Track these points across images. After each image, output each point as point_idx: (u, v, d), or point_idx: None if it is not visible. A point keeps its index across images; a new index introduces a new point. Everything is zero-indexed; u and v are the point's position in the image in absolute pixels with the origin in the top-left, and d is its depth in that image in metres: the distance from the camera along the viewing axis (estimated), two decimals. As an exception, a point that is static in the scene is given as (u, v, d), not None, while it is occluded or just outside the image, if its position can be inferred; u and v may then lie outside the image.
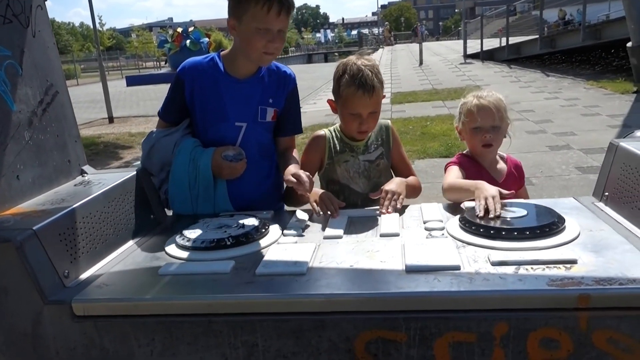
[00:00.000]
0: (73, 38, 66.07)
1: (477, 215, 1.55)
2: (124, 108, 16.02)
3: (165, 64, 31.27)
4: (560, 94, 10.66)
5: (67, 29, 71.06)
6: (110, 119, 12.92)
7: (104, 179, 1.82)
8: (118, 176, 1.84)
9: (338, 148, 2.01)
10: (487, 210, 1.56)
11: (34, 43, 1.73)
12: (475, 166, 2.01)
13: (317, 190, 1.87)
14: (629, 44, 10.51)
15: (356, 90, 1.85)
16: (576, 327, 1.17)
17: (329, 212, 1.75)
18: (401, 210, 1.80)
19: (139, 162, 2.44)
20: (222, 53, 2.00)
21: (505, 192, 1.64)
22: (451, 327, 1.20)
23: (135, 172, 1.91)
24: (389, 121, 2.11)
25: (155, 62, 43.35)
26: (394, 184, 1.86)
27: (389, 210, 1.75)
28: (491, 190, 1.63)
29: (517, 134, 7.17)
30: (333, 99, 1.99)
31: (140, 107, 16.36)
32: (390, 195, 1.80)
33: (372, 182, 1.99)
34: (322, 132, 2.06)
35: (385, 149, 2.03)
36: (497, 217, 1.53)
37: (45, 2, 1.83)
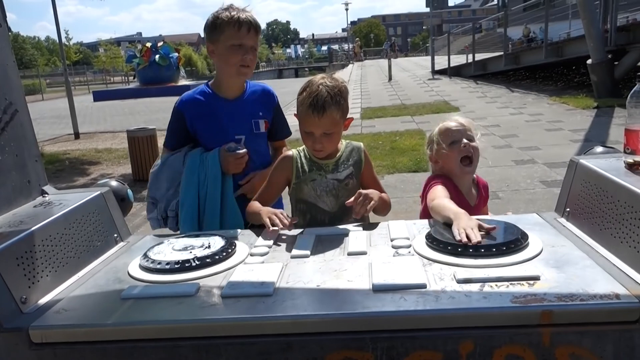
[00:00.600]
0: (39, 52, 64.77)
1: (459, 241, 1.49)
2: (91, 124, 15.73)
3: (134, 79, 31.11)
4: (524, 109, 10.94)
5: (33, 43, 69.66)
6: (77, 135, 12.66)
7: (66, 200, 1.77)
8: (80, 196, 1.80)
9: (306, 167, 2.01)
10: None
11: (-9, 61, 1.69)
12: (454, 190, 2.01)
13: (270, 208, 1.90)
14: (589, 61, 10.89)
15: (307, 108, 1.86)
16: (540, 343, 1.19)
17: (281, 226, 1.75)
18: (369, 227, 1.81)
19: (106, 180, 2.40)
20: (209, 83, 2.30)
21: (486, 225, 1.57)
22: (418, 346, 1.20)
23: (99, 192, 1.86)
24: (361, 144, 2.11)
25: (123, 77, 42.83)
26: (369, 190, 1.87)
27: (361, 209, 1.77)
28: (470, 222, 1.57)
29: (482, 150, 7.29)
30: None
31: (107, 122, 16.10)
32: (363, 198, 1.80)
33: (340, 202, 1.99)
34: (290, 152, 2.06)
35: (355, 170, 2.03)
36: (478, 242, 1.48)
37: (7, 19, 1.79)
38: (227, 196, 2.19)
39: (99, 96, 26.72)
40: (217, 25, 2.09)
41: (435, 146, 2.07)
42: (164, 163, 2.30)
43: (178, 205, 2.25)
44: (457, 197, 1.97)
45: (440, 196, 1.87)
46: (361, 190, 1.83)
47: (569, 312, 1.18)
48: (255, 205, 1.99)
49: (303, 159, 2.03)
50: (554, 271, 1.34)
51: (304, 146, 2.06)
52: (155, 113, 17.63)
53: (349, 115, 1.98)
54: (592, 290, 1.23)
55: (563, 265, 1.38)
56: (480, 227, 1.55)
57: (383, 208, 1.98)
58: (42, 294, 1.44)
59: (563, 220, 1.73)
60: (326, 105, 1.84)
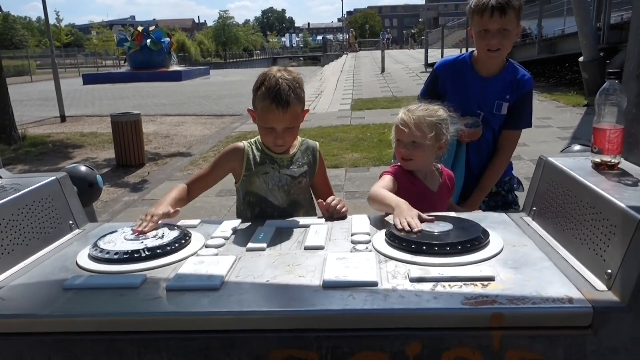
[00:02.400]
0: (29, 33, 63.85)
1: (402, 230, 1.52)
2: (78, 107, 15.54)
3: (125, 63, 30.75)
4: (514, 105, 10.89)
5: (24, 23, 68.62)
6: (63, 118, 12.48)
7: (18, 184, 1.71)
8: (34, 181, 1.74)
9: (258, 159, 1.94)
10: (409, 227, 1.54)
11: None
12: (410, 178, 1.99)
13: (161, 203, 1.77)
14: (581, 59, 10.87)
15: (270, 104, 1.78)
16: (490, 346, 1.15)
17: (140, 229, 1.60)
18: (332, 220, 1.77)
19: (74, 165, 2.33)
20: (473, 54, 2.37)
21: (425, 216, 1.59)
22: (363, 346, 1.16)
23: (54, 177, 1.80)
24: (317, 143, 2.07)
25: (114, 61, 42.40)
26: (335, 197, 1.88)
27: (334, 212, 1.80)
28: (411, 212, 1.59)
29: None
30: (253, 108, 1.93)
31: (95, 106, 15.91)
32: (338, 202, 1.83)
33: (290, 198, 1.94)
34: (240, 144, 1.99)
35: (310, 170, 1.99)
36: (419, 231, 1.50)
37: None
38: (459, 162, 2.36)
39: (88, 79, 26.41)
40: (467, 11, 2.26)
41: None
42: None
43: None
44: (413, 183, 1.94)
45: (380, 186, 1.86)
46: (330, 200, 1.84)
47: (520, 315, 1.14)
48: (173, 191, 1.86)
49: (255, 150, 1.96)
50: (510, 272, 1.30)
51: (255, 139, 2.00)
52: (145, 98, 17.48)
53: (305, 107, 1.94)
54: (546, 293, 1.19)
55: (521, 266, 1.34)
56: (419, 218, 1.56)
57: None
58: (-18, 281, 1.39)
59: (529, 220, 1.69)
60: (289, 100, 1.78)
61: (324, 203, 1.84)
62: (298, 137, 2.02)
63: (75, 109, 14.75)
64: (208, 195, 5.47)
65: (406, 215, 1.57)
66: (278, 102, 1.77)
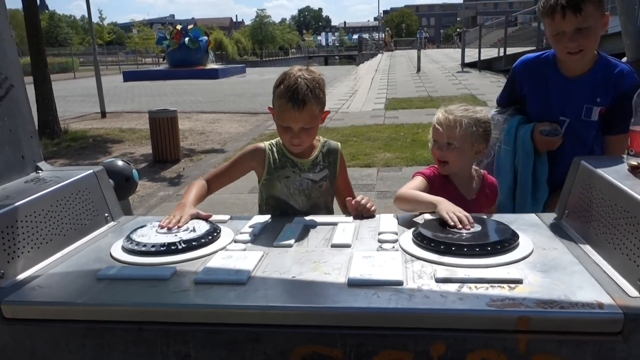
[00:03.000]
0: (73, 31, 65.83)
1: (454, 226, 1.52)
2: (118, 103, 15.95)
3: (164, 60, 31.37)
4: (553, 106, 10.63)
5: (68, 21, 70.79)
6: (103, 114, 12.84)
7: (57, 177, 1.77)
8: (72, 174, 1.80)
9: (278, 163, 1.94)
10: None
11: (-13, 35, 1.69)
12: (444, 182, 1.96)
13: (184, 205, 1.76)
14: (624, 59, 10.52)
15: (286, 102, 1.77)
16: (515, 350, 1.13)
17: (170, 227, 1.62)
18: (360, 219, 1.77)
19: (112, 159, 2.40)
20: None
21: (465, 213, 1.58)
22: (387, 345, 1.16)
23: (91, 171, 1.86)
24: (338, 144, 2.05)
25: (154, 59, 43.30)
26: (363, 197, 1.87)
27: (363, 210, 1.80)
28: (455, 207, 1.59)
29: (507, 145, 7.13)
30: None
31: (134, 102, 16.30)
32: (367, 201, 1.82)
33: (311, 202, 1.94)
34: (262, 145, 1.99)
35: (330, 172, 1.98)
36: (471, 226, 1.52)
37: (4, -6, 1.79)
38: (540, 175, 2.14)
39: (128, 76, 27.08)
40: (537, 12, 2.16)
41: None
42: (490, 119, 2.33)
43: (488, 166, 2.28)
44: (447, 189, 1.91)
45: (410, 187, 1.84)
46: (359, 199, 1.83)
47: (548, 320, 1.12)
48: (194, 189, 1.86)
49: (276, 153, 1.96)
50: (539, 275, 1.28)
51: (276, 140, 2.00)
52: (182, 95, 17.81)
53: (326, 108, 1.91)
54: (575, 297, 1.16)
55: (550, 269, 1.31)
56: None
57: None
58: (22, 269, 1.44)
59: (561, 222, 1.65)
60: (306, 100, 1.76)
61: (353, 202, 1.84)
62: (320, 138, 2.02)
63: (115, 105, 15.14)
64: (241, 192, 5.55)
65: (455, 210, 1.56)
66: (294, 101, 1.75)
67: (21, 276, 1.43)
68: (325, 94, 1.88)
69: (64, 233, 1.64)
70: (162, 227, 1.62)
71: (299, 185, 1.93)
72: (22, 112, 1.83)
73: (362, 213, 1.81)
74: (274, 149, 1.97)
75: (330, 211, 2.05)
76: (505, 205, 2.23)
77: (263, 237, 1.65)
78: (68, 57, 37.50)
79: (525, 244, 1.45)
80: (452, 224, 1.53)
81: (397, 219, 1.74)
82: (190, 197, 1.82)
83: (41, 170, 1.88)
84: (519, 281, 1.24)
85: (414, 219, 1.72)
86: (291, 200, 1.94)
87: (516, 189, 2.21)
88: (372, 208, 1.82)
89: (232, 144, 8.78)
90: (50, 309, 1.29)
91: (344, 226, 1.69)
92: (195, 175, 6.84)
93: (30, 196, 1.56)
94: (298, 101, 1.75)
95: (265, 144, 1.99)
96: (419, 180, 1.92)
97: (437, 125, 1.91)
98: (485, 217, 1.68)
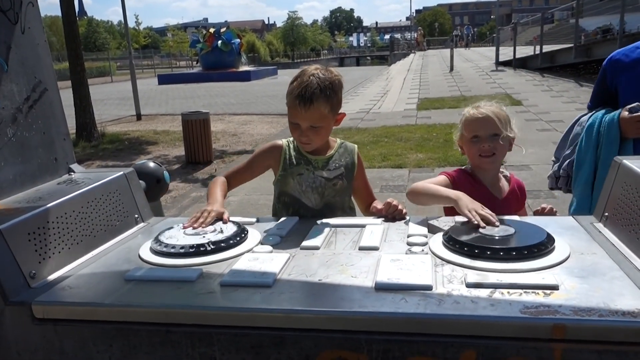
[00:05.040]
0: (111, 36, 67.53)
1: (479, 226, 1.48)
2: (153, 106, 16.27)
3: (197, 63, 31.85)
4: (592, 104, 10.31)
5: (106, 27, 72.66)
6: (138, 116, 13.13)
7: (89, 179, 1.80)
8: (103, 176, 1.82)
9: (294, 160, 1.93)
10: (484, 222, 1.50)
11: (22, 39, 1.72)
12: (473, 183, 1.92)
13: (216, 201, 1.77)
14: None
15: (294, 99, 1.77)
16: (550, 359, 1.08)
17: (196, 226, 1.63)
18: (389, 221, 1.73)
19: (144, 161, 2.43)
20: None
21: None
22: (415, 351, 1.13)
23: (122, 173, 1.88)
24: (355, 146, 2.04)
25: (188, 62, 44.01)
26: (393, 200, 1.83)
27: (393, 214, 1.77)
28: (475, 204, 1.55)
29: (544, 145, 6.97)
30: None
31: (169, 105, 16.60)
32: (395, 207, 1.78)
33: (324, 200, 1.92)
34: (280, 142, 1.99)
35: (347, 172, 1.96)
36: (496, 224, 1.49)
37: (38, 0, 1.82)
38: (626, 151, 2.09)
39: (163, 79, 27.62)
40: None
41: (458, 133, 1.98)
42: (574, 123, 2.32)
43: (571, 164, 2.27)
44: (477, 189, 1.86)
45: (430, 182, 1.82)
46: (390, 200, 1.80)
47: (585, 328, 1.07)
48: (217, 186, 1.86)
49: (292, 151, 1.95)
50: (576, 281, 1.22)
51: (292, 137, 1.99)
52: (215, 97, 18.04)
53: (341, 110, 1.89)
54: (615, 305, 1.10)
55: (588, 275, 1.25)
56: None
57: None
58: (52, 269, 1.47)
59: (600, 226, 1.58)
60: (314, 98, 1.74)
61: (379, 206, 1.83)
62: (337, 139, 2.01)
63: (150, 107, 15.46)
64: (271, 193, 5.58)
65: (476, 207, 1.53)
66: (302, 98, 1.75)
67: (52, 277, 1.45)
68: (341, 96, 1.87)
69: (94, 234, 1.66)
70: (186, 227, 1.63)
71: (312, 183, 1.91)
72: (56, 115, 1.86)
73: (394, 215, 1.78)
74: (291, 146, 1.97)
75: (347, 213, 2.01)
76: (581, 201, 2.17)
77: (290, 239, 1.63)
78: (105, 62, 38.49)
79: (561, 248, 1.39)
80: (476, 223, 1.49)
81: (427, 221, 1.70)
82: (217, 196, 1.82)
83: (73, 172, 1.91)
84: (554, 287, 1.19)
85: (445, 222, 1.67)
86: (303, 198, 1.92)
87: (595, 184, 2.14)
88: (404, 210, 1.79)
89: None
90: (78, 310, 1.30)
91: (372, 228, 1.66)
92: (227, 177, 6.90)
93: (62, 197, 1.59)
94: (305, 99, 1.75)
95: (283, 141, 2.00)
96: (441, 178, 1.89)
97: (475, 120, 1.88)
98: (518, 219, 1.62)
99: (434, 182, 1.86)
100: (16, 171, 1.67)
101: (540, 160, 6.34)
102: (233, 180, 1.97)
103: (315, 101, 1.75)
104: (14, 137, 1.66)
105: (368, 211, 1.96)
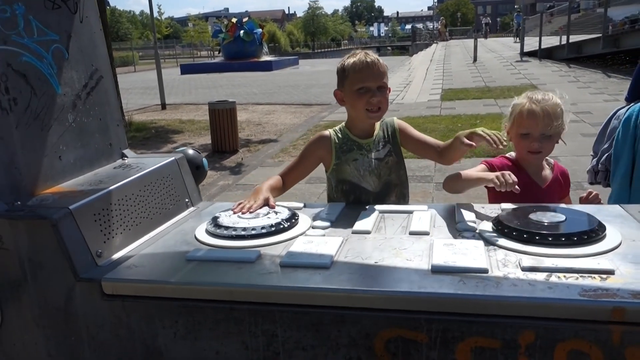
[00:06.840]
0: (133, 26, 68.17)
1: (500, 184, 1.60)
2: (177, 95, 16.43)
3: (219, 53, 32.01)
4: (621, 96, 10.08)
5: (128, 17, 73.38)
6: (163, 106, 13.28)
7: (142, 163, 1.86)
8: (156, 161, 1.88)
9: (345, 147, 1.97)
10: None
11: (81, 28, 1.78)
12: (516, 170, 1.92)
13: (262, 188, 1.85)
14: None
15: (361, 64, 1.88)
16: (608, 341, 1.11)
17: (244, 209, 1.71)
18: (435, 208, 1.77)
19: (184, 148, 2.50)
20: None
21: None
22: (474, 331, 1.17)
23: (173, 158, 1.94)
24: (394, 117, 2.07)
25: (209, 52, 44.22)
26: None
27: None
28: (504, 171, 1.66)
29: (572, 137, 6.88)
30: (338, 89, 1.98)
31: (192, 94, 16.75)
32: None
33: (382, 180, 1.95)
34: (326, 132, 2.03)
35: (393, 146, 1.99)
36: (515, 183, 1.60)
37: (95, -11, 1.88)
38: None
39: (185, 69, 27.81)
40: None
41: (508, 123, 1.97)
42: (611, 117, 2.33)
43: (609, 158, 2.28)
44: (520, 178, 1.87)
45: (469, 170, 1.88)
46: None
47: (644, 311, 1.09)
48: (271, 180, 1.95)
49: (341, 138, 1.99)
50: (631, 266, 1.24)
51: (339, 126, 2.04)
52: (237, 87, 18.13)
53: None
54: (673, 289, 1.13)
55: (643, 261, 1.27)
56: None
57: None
58: (116, 249, 1.53)
59: (649, 214, 1.59)
60: (376, 61, 1.90)
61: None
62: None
63: (174, 97, 15.61)
64: (308, 182, 5.62)
65: (503, 172, 1.63)
66: (369, 61, 1.89)
67: (115, 256, 1.52)
68: None
69: (151, 217, 1.72)
70: (235, 211, 1.69)
71: (369, 166, 1.95)
72: (110, 102, 1.93)
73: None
74: (339, 134, 2.01)
75: (405, 185, 2.04)
76: (619, 194, 2.17)
77: (339, 223, 1.68)
78: (128, 52, 38.90)
79: (612, 235, 1.41)
80: (497, 183, 1.60)
81: (474, 207, 1.73)
82: (265, 185, 1.88)
83: (126, 157, 1.97)
84: (610, 272, 1.21)
85: (491, 209, 1.70)
86: (363, 182, 1.95)
87: (633, 177, 2.13)
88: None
89: (288, 135, 8.88)
90: (145, 287, 1.36)
91: (420, 214, 1.69)
92: (254, 165, 6.98)
93: (121, 181, 1.65)
94: (372, 62, 1.89)
95: (329, 131, 2.04)
96: (480, 167, 1.91)
97: (528, 117, 1.87)
98: (568, 206, 1.64)
99: (472, 169, 1.88)
100: (76, 155, 1.73)
101: (568, 152, 6.27)
102: (287, 178, 2.01)
103: (379, 62, 1.91)
104: (74, 122, 1.73)
105: (442, 156, 1.92)
